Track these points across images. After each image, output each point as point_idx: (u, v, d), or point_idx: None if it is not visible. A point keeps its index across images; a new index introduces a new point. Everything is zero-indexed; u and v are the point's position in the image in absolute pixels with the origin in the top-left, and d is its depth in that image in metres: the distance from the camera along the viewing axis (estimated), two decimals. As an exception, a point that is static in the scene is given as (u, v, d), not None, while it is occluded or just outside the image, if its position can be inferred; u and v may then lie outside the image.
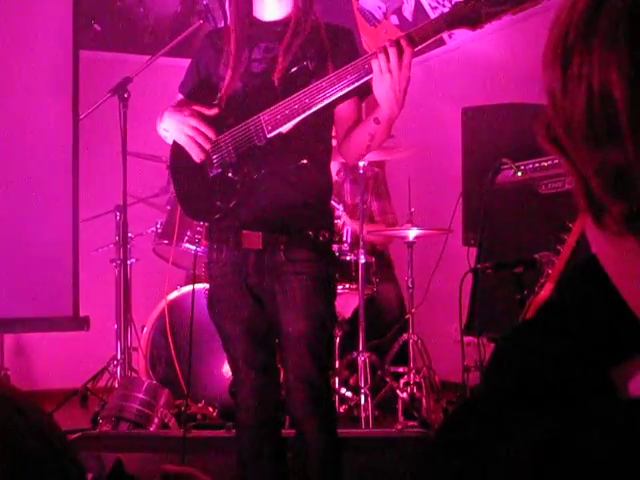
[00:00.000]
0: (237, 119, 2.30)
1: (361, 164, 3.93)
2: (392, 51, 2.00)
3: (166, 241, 4.04)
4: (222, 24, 5.32)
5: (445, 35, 5.11)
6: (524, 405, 0.58)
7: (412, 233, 4.11)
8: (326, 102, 2.17)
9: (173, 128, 2.36)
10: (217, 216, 2.36)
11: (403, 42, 2.01)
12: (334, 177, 4.29)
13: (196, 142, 2.31)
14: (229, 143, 2.30)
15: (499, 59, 4.75)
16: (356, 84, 2.13)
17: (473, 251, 3.97)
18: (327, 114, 2.34)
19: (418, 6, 5.11)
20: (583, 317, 0.61)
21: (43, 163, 4.60)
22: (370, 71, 2.09)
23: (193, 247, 3.87)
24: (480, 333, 2.84)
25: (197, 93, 2.51)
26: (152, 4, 5.46)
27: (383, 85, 2.04)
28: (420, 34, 2.03)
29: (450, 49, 5.21)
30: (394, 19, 5.39)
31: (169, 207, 4.19)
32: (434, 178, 5.03)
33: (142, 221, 4.48)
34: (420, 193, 4.66)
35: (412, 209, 4.18)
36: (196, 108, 2.35)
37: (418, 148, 4.28)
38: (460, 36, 5.05)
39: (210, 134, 2.31)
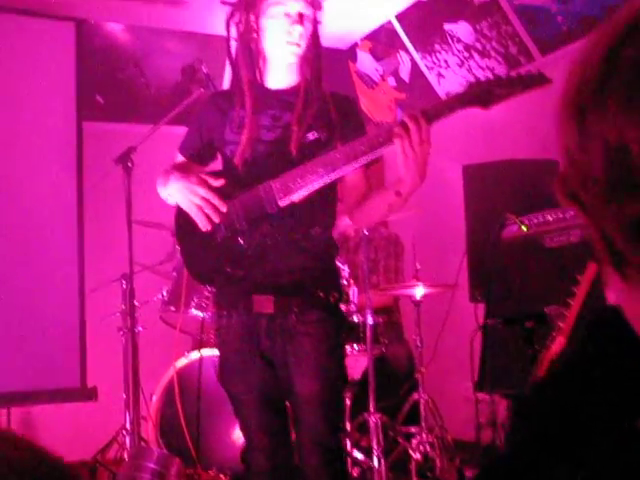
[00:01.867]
0: (247, 185, 2.32)
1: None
2: (412, 128, 2.05)
3: (173, 308, 4.04)
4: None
5: (442, 94, 5.19)
6: (553, 463, 0.57)
7: (419, 291, 4.10)
8: (340, 173, 2.21)
9: (179, 194, 2.37)
10: (226, 281, 2.37)
11: (420, 118, 2.06)
12: (347, 233, 4.33)
13: (204, 213, 2.32)
14: (239, 209, 2.32)
15: (498, 116, 4.81)
16: (369, 157, 2.17)
17: (480, 307, 3.96)
18: (335, 182, 2.37)
19: (415, 67, 5.20)
20: (606, 369, 0.60)
21: (48, 234, 4.64)
22: (382, 145, 2.13)
23: (201, 313, 3.88)
24: (492, 390, 2.82)
25: (199, 156, 2.54)
26: (153, 75, 5.55)
27: (407, 162, 2.08)
28: (435, 111, 2.09)
29: (448, 108, 5.28)
30: (391, 81, 5.48)
31: (175, 274, 4.20)
32: (438, 235, 5.05)
33: (148, 289, 4.48)
34: (425, 250, 4.68)
35: (418, 266, 4.18)
36: (203, 176, 2.37)
37: (420, 207, 4.30)
38: (457, 95, 5.13)
39: (222, 207, 2.32)
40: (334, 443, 2.38)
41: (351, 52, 5.57)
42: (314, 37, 2.44)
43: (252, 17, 2.40)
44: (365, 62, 5.60)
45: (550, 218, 2.92)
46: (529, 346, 2.38)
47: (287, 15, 2.35)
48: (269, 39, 2.39)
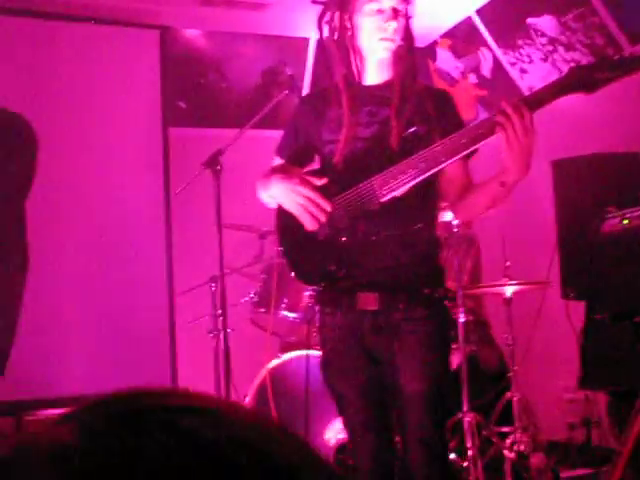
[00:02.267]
0: (347, 183, 2.32)
1: (454, 222, 3.93)
2: (515, 117, 2.02)
3: (263, 310, 4.06)
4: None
5: (525, 89, 5.12)
6: None
7: (509, 289, 4.05)
8: (442, 167, 2.19)
9: (283, 195, 2.39)
10: (330, 280, 2.37)
11: (522, 106, 2.04)
12: None
13: (309, 212, 2.33)
14: (340, 207, 2.32)
15: (582, 109, 4.72)
16: (470, 149, 2.15)
17: (572, 304, 3.91)
18: (435, 176, 2.35)
19: (497, 63, 5.14)
20: None
21: (138, 238, 4.73)
22: (482, 137, 2.11)
23: (291, 314, 3.89)
24: (598, 387, 2.76)
25: (297, 157, 2.55)
26: (234, 79, 5.60)
27: (512, 151, 2.05)
28: (536, 98, 2.06)
29: (531, 103, 5.21)
30: (472, 78, 5.43)
31: (264, 276, 4.23)
32: (527, 231, 4.98)
33: (236, 291, 4.51)
34: (514, 247, 4.62)
35: (507, 263, 4.13)
36: (305, 177, 2.38)
37: (509, 203, 4.25)
38: (540, 90, 5.06)
39: (327, 206, 2.32)
40: (439, 441, 2.37)
41: (430, 50, 5.53)
42: (407, 31, 2.43)
43: (346, 15, 2.39)
44: (445, 60, 5.56)
45: (654, 210, 2.85)
46: (638, 341, 2.32)
47: (381, 11, 2.35)
48: (364, 36, 2.39)
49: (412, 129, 2.34)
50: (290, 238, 2.46)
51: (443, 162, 2.19)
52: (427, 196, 2.39)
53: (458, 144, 2.17)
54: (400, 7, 2.36)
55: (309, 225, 2.34)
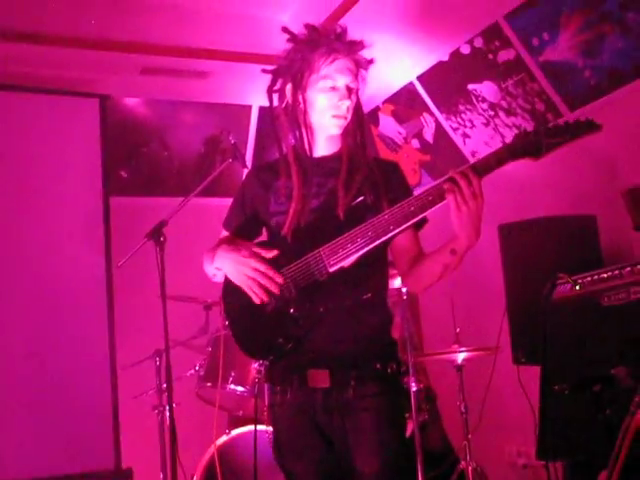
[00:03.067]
0: (295, 255, 2.26)
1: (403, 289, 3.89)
2: (463, 183, 2.00)
3: (210, 383, 3.95)
4: (250, 163, 5.45)
5: (468, 154, 5.16)
6: None
7: (460, 355, 4.02)
8: (390, 235, 2.14)
9: (231, 268, 2.33)
10: (279, 355, 2.29)
11: (469, 173, 2.02)
12: None
13: (259, 284, 2.26)
14: (288, 279, 2.26)
15: (528, 173, 4.78)
16: (419, 217, 2.11)
17: (523, 369, 3.88)
18: (384, 245, 2.30)
19: (439, 128, 5.18)
20: None
21: (78, 312, 4.59)
22: (431, 205, 2.08)
23: (239, 388, 3.79)
24: (557, 458, 2.70)
25: (245, 229, 2.50)
26: (176, 147, 5.56)
27: (461, 217, 2.02)
28: (484, 164, 2.03)
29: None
30: (415, 143, 5.46)
31: (210, 348, 4.14)
32: (476, 296, 4.97)
33: (181, 364, 4.39)
34: (463, 312, 4.61)
35: (457, 329, 4.11)
36: (254, 249, 2.32)
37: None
38: (482, 154, 5.10)
39: (278, 278, 2.27)
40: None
41: (373, 115, 5.56)
42: (357, 106, 2.41)
43: (299, 90, 2.36)
44: (388, 125, 5.59)
45: (605, 276, 2.83)
46: (598, 411, 2.27)
47: (335, 89, 2.34)
48: (316, 112, 2.37)
49: (360, 198, 2.30)
50: (237, 310, 2.39)
51: (392, 230, 2.14)
52: (376, 266, 2.34)
53: (407, 212, 2.12)
54: (353, 85, 2.36)
55: (257, 298, 2.27)
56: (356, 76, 2.36)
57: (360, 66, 2.37)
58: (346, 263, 2.19)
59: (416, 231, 2.38)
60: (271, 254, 2.29)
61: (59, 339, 4.54)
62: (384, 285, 2.41)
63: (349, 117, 2.37)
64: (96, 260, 4.73)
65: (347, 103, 2.33)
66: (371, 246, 2.16)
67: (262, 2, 4.53)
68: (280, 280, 2.25)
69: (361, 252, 2.17)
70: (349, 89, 2.34)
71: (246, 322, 2.36)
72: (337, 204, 2.28)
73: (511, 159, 2.05)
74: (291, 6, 4.57)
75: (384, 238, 2.15)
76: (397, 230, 2.13)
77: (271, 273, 2.26)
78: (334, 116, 2.34)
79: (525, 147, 2.03)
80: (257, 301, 2.27)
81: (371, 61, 2.38)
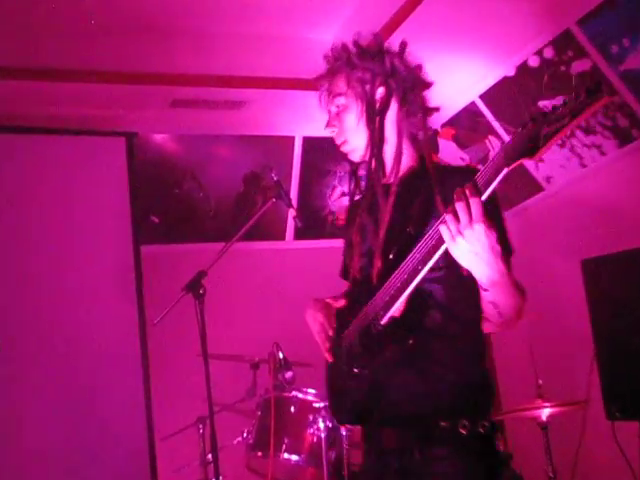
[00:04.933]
0: (362, 302, 2.26)
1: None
2: (460, 207, 1.92)
3: (260, 453, 3.92)
4: (295, 201, 5.46)
5: (542, 179, 5.10)
6: None
7: (545, 412, 3.92)
8: (421, 275, 2.08)
9: (310, 325, 2.44)
10: (353, 416, 2.32)
11: (468, 192, 1.93)
12: None
13: (321, 340, 2.33)
14: (353, 333, 2.26)
15: (603, 200, 4.71)
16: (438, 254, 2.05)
17: (619, 426, 3.79)
18: (443, 284, 2.26)
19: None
20: None
21: (112, 375, 4.60)
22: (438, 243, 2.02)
23: (294, 457, 3.75)
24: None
25: (345, 277, 2.54)
26: (212, 187, 5.60)
27: (460, 250, 1.93)
28: (483, 179, 1.94)
29: (549, 195, 5.19)
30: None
31: (259, 412, 4.11)
32: (558, 342, 4.88)
33: (226, 431, 4.37)
34: (544, 361, 4.52)
35: (540, 381, 4.02)
36: (328, 300, 2.40)
37: (536, 310, 4.17)
38: (559, 179, 5.05)
39: (330, 331, 2.31)
40: None
41: (431, 141, 5.54)
42: (369, 121, 2.41)
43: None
44: (448, 151, 5.56)
45: None
46: None
47: None
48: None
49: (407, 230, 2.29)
50: (326, 370, 2.45)
51: (420, 270, 2.08)
52: (434, 308, 2.28)
53: (430, 246, 2.07)
54: (338, 104, 2.41)
55: (327, 357, 2.33)
56: (345, 93, 2.38)
57: (354, 77, 2.38)
58: (394, 312, 2.15)
59: None
60: (339, 303, 2.34)
61: (93, 409, 4.54)
62: (457, 327, 2.34)
63: (350, 140, 2.39)
64: (129, 317, 4.74)
65: (328, 131, 2.41)
66: (408, 291, 2.11)
67: (300, 22, 4.54)
68: (330, 333, 2.31)
69: (401, 299, 2.13)
70: (334, 112, 2.41)
71: (332, 381, 2.43)
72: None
73: (507, 163, 1.92)
74: (334, 25, 4.58)
75: (417, 280, 2.10)
76: (422, 271, 2.08)
77: (328, 328, 2.27)
78: None
79: (522, 145, 1.90)
80: (329, 359, 2.34)
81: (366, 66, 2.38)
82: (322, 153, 5.68)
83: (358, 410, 2.30)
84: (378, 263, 2.25)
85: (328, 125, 2.41)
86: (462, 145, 5.48)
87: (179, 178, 5.47)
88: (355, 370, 2.24)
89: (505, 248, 2.06)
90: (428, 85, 2.41)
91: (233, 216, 5.61)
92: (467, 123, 5.31)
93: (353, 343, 2.27)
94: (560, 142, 4.82)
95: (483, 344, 2.33)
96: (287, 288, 5.30)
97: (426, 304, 2.27)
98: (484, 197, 1.88)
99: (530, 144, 1.79)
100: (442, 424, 2.20)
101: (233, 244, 3.88)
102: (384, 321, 2.16)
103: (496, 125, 5.09)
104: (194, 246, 5.48)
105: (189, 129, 5.38)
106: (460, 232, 1.89)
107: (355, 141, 2.38)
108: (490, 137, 5.19)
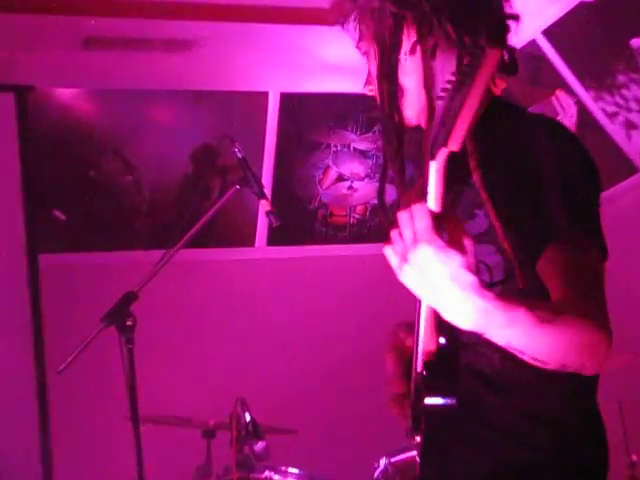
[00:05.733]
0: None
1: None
2: (402, 219, 1.91)
3: None
4: (268, 187, 5.44)
5: (636, 152, 5.14)
6: None
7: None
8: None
9: None
10: None
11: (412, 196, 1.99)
12: None
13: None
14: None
15: None
16: None
17: None
18: None
19: (583, 115, 5.18)
20: None
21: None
22: None
23: None
24: None
25: None
26: (145, 167, 5.60)
27: (411, 284, 1.94)
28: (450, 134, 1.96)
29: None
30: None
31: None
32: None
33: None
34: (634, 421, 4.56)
35: (634, 457, 4.09)
36: (401, 332, 2.49)
37: (631, 351, 4.21)
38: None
39: (399, 387, 2.37)
40: None
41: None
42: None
43: None
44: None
45: None
46: None
47: None
48: None
49: None
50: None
51: None
52: None
53: None
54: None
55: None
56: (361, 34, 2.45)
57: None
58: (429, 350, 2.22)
59: None
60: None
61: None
62: (522, 375, 2.36)
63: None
64: (20, 361, 4.75)
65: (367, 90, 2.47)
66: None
67: None
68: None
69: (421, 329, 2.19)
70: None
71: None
72: None
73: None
74: None
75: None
76: None
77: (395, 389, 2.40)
78: None
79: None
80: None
81: None
82: (309, 117, 5.70)
83: None
84: None
85: (365, 83, 2.47)
86: (517, 103, 5.50)
87: (96, 154, 5.48)
88: (417, 438, 2.26)
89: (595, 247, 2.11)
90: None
91: (177, 211, 5.65)
92: (524, 72, 5.34)
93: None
94: None
95: (574, 400, 2.31)
96: (257, 315, 5.34)
97: (475, 339, 2.27)
98: (434, 205, 1.86)
99: (444, 129, 1.84)
100: None
101: (177, 252, 3.90)
102: (419, 368, 2.18)
103: (566, 74, 5.13)
104: (119, 255, 5.51)
105: (110, 82, 5.37)
106: (404, 256, 1.90)
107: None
108: (558, 92, 5.22)
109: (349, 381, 5.32)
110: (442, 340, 2.09)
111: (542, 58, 5.18)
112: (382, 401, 2.39)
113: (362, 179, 6.04)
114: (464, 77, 1.73)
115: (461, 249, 1.81)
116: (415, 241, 1.82)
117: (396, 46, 2.40)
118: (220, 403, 4.16)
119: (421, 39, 2.38)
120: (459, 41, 2.34)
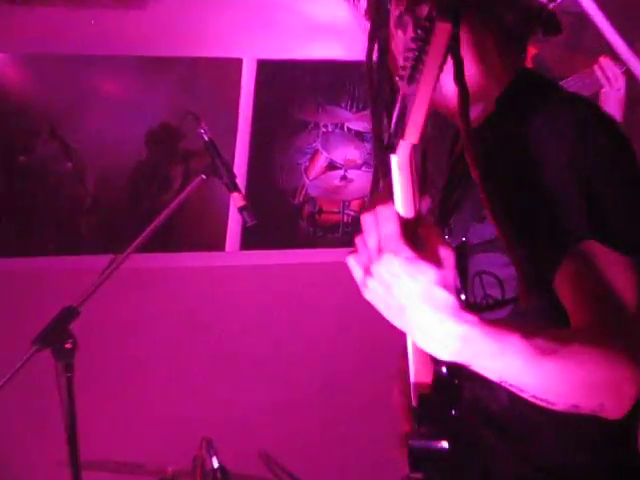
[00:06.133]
0: None
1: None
2: (365, 222, 1.92)
3: None
4: (241, 177, 5.44)
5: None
6: None
7: None
8: None
9: None
10: None
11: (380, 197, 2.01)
12: None
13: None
14: None
15: None
16: None
17: None
18: None
19: (635, 90, 5.18)
20: None
21: None
22: None
23: None
24: None
25: None
26: (89, 152, 5.60)
27: (376, 302, 1.95)
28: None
29: None
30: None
31: None
32: None
33: None
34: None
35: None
36: None
37: None
38: None
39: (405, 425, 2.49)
40: None
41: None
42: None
43: None
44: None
45: None
46: None
47: None
48: None
49: None
50: None
51: None
52: None
53: None
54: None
55: None
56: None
57: None
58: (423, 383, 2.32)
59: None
60: None
61: None
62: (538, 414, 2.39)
63: None
64: None
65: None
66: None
67: None
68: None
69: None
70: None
71: None
72: None
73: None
74: None
75: None
76: None
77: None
78: None
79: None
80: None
81: None
82: (292, 91, 5.70)
83: None
84: None
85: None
86: (550, 75, 5.51)
87: (27, 135, 5.47)
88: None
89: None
90: None
91: (129, 206, 5.63)
92: (560, 35, 5.33)
93: None
94: None
95: (597, 450, 2.36)
96: (229, 336, 5.34)
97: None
98: (401, 208, 1.89)
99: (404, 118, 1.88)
100: None
101: (128, 258, 3.89)
102: (414, 401, 2.20)
103: (613, 37, 5.12)
104: (54, 261, 5.52)
105: (44, 45, 5.37)
106: (367, 269, 1.90)
107: None
108: (602, 59, 5.21)
109: (340, 414, 5.33)
110: (444, 369, 2.10)
111: (582, 16, 5.18)
112: (381, 439, 2.42)
113: (358, 167, 6.04)
114: (419, 54, 1.77)
115: (436, 261, 1.82)
116: (380, 250, 1.85)
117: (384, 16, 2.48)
118: (181, 445, 4.16)
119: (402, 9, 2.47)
120: (411, 10, 2.41)
